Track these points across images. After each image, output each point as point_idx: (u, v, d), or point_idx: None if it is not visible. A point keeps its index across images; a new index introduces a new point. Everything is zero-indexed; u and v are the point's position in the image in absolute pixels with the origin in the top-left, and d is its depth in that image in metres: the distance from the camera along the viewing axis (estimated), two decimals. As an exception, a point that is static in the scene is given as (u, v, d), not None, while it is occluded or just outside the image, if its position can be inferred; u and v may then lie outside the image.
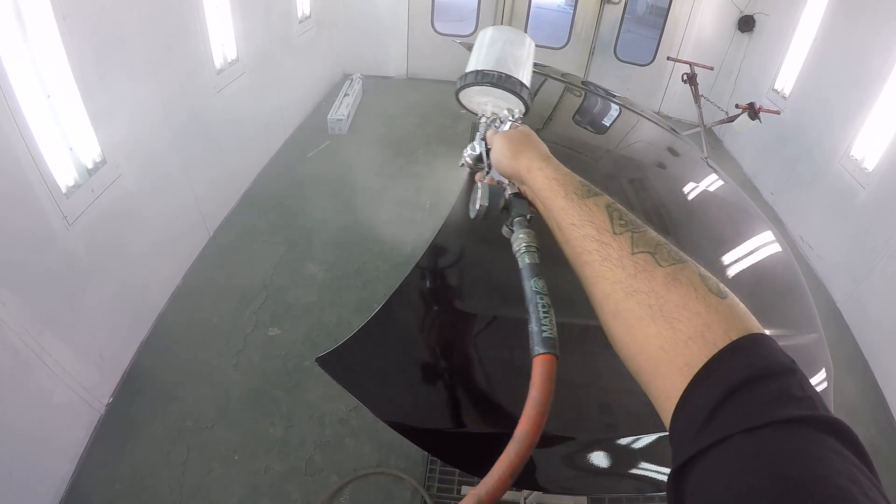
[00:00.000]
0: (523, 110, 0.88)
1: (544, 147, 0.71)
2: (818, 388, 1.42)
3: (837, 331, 3.97)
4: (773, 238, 2.04)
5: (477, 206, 0.70)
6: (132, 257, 2.78)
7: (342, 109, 5.53)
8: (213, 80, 3.62)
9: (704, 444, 0.37)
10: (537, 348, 0.50)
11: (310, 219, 4.09)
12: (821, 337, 1.67)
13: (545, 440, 1.16)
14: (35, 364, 2.08)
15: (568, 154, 2.10)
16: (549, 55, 6.64)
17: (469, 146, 0.89)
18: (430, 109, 6.08)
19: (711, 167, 2.53)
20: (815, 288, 4.34)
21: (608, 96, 2.96)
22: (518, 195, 0.71)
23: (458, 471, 2.41)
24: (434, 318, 1.34)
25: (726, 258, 1.84)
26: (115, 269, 2.63)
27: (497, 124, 0.85)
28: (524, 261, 0.61)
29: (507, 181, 0.73)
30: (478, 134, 0.89)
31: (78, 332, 2.37)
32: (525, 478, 1.19)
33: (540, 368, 0.48)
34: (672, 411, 0.43)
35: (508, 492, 1.87)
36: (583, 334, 1.35)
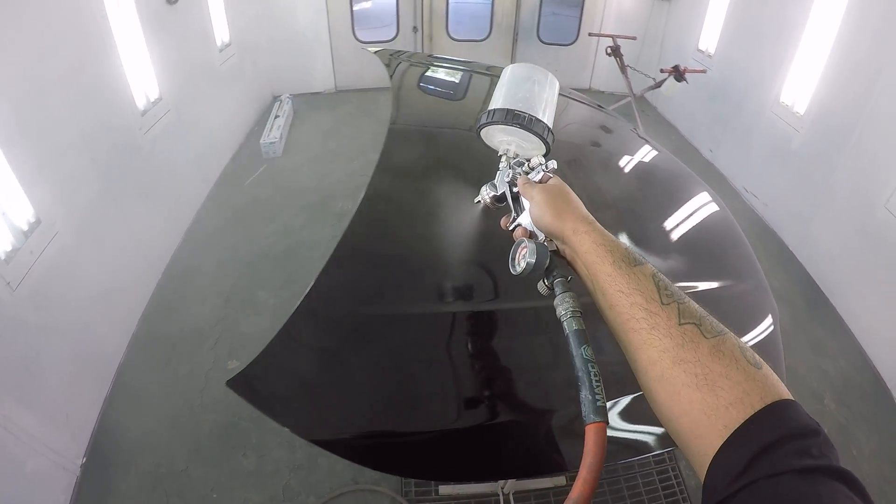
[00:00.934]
0: (544, 152, 0.87)
1: (583, 206, 0.72)
2: (766, 333, 1.45)
3: (794, 273, 4.05)
4: (710, 198, 2.05)
5: (523, 265, 0.69)
6: (83, 312, 2.71)
7: (274, 132, 5.37)
8: (139, 122, 3.49)
9: (736, 488, 0.43)
10: (591, 416, 0.53)
11: (255, 246, 3.98)
12: (763, 284, 1.67)
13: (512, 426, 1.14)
14: (1, 436, 2.02)
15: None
16: (473, 48, 6.63)
17: (488, 184, 0.89)
18: (361, 120, 5.97)
19: (642, 138, 2.53)
20: (766, 235, 4.44)
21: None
22: (557, 254, 0.71)
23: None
24: (350, 322, 1.28)
25: (668, 223, 1.84)
26: (67, 327, 2.58)
27: (525, 169, 0.85)
28: (571, 326, 0.62)
29: (542, 236, 0.74)
30: (500, 173, 0.87)
31: (40, 397, 2.31)
32: (499, 469, 1.21)
33: (594, 436, 0.52)
34: (708, 465, 0.48)
35: (484, 483, 1.79)
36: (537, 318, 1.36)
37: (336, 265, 1.32)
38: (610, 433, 1.16)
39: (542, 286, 0.70)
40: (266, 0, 5.88)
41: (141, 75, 3.61)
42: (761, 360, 0.51)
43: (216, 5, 5.04)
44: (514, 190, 0.83)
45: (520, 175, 0.83)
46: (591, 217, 0.69)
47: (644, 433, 1.22)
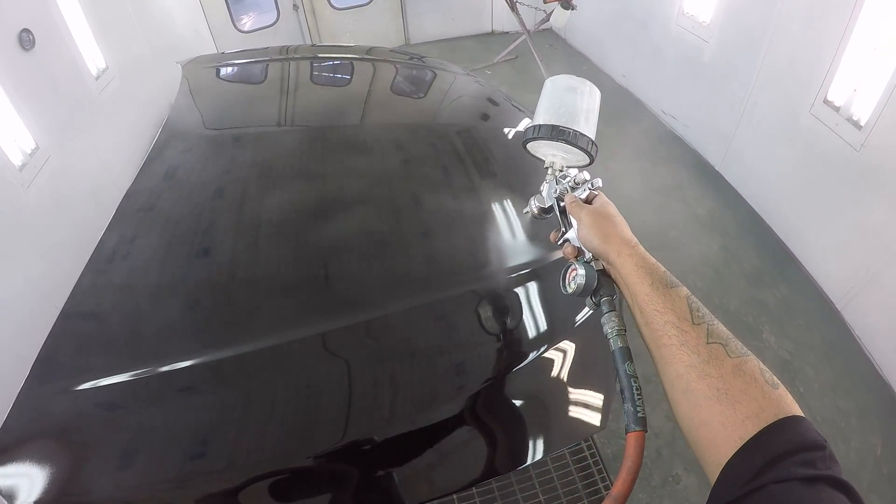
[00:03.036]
0: (588, 162, 0.89)
1: (627, 228, 0.75)
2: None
3: (723, 192, 3.76)
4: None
5: (573, 287, 0.73)
6: None
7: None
8: (18, 179, 3.11)
9: (745, 491, 0.47)
10: (633, 426, 0.60)
11: None
12: None
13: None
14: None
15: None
16: (359, 14, 6.05)
17: (536, 196, 0.92)
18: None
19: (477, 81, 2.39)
20: (690, 157, 4.12)
21: (415, 62, 2.66)
22: (603, 272, 0.75)
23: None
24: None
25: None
26: None
27: (570, 184, 0.87)
28: (616, 344, 0.67)
29: (590, 254, 0.78)
30: (546, 185, 0.91)
31: None
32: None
33: (634, 443, 0.59)
34: (718, 473, 0.51)
35: None
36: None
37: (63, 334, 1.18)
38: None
39: (589, 302, 0.74)
40: (137, 10, 5.23)
41: (10, 130, 3.21)
42: (779, 381, 0.55)
43: (82, 32, 4.44)
44: (562, 205, 0.85)
45: (567, 192, 0.86)
46: (635, 239, 0.73)
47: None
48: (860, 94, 2.73)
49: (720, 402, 0.53)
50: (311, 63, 2.48)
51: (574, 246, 0.81)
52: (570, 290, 0.75)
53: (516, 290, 1.36)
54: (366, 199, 1.60)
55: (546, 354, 1.24)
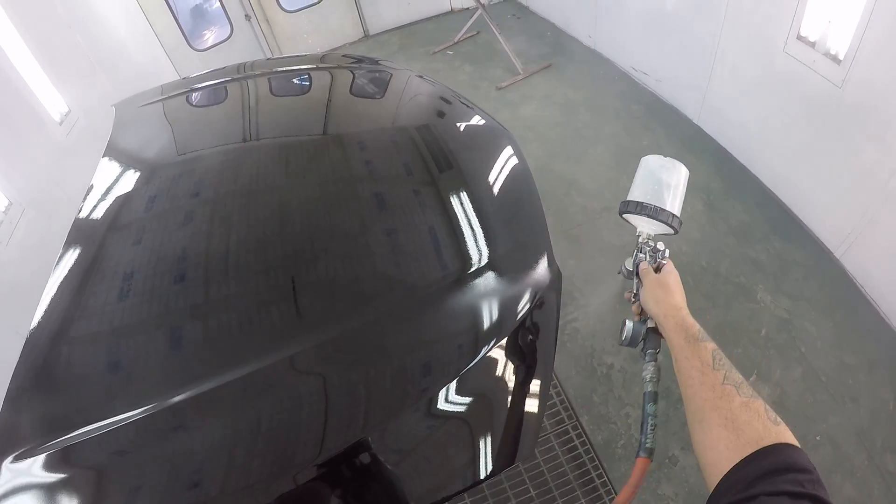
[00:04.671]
0: (672, 233, 1.03)
1: (681, 297, 0.91)
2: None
3: (706, 149, 3.57)
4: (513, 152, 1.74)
5: (623, 337, 0.93)
6: None
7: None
8: None
9: (738, 498, 0.54)
10: (641, 453, 0.78)
11: None
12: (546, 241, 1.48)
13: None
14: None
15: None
16: (313, 13, 5.80)
17: (628, 260, 1.04)
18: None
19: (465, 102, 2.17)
20: (667, 112, 3.93)
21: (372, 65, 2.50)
22: (654, 329, 0.92)
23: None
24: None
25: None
26: None
27: (650, 251, 1.02)
28: (648, 388, 0.86)
29: (649, 315, 0.93)
30: (636, 251, 1.03)
31: None
32: None
33: (640, 468, 0.76)
34: (715, 485, 0.59)
35: None
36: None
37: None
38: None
39: (640, 352, 0.93)
40: (93, 46, 5.09)
41: None
42: (780, 420, 0.63)
43: (38, 80, 4.31)
44: (639, 270, 1.00)
45: (644, 260, 1.01)
46: (682, 305, 0.88)
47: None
48: (835, 25, 2.52)
49: (727, 429, 0.63)
50: (244, 84, 2.32)
51: (639, 305, 0.96)
52: (621, 340, 0.94)
53: (462, 294, 1.27)
54: (321, 210, 1.51)
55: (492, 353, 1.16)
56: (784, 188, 3.11)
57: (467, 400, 1.12)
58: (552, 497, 2.08)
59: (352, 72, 2.36)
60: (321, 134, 1.87)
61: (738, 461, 0.58)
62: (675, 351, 0.80)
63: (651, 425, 0.80)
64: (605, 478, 2.12)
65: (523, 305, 1.24)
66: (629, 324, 0.94)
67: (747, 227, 3.01)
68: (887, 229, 2.45)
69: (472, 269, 1.30)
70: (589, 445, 2.21)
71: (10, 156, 3.62)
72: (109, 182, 1.79)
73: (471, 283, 1.29)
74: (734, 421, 0.63)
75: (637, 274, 1.01)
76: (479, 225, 1.43)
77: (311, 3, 5.76)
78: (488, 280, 1.30)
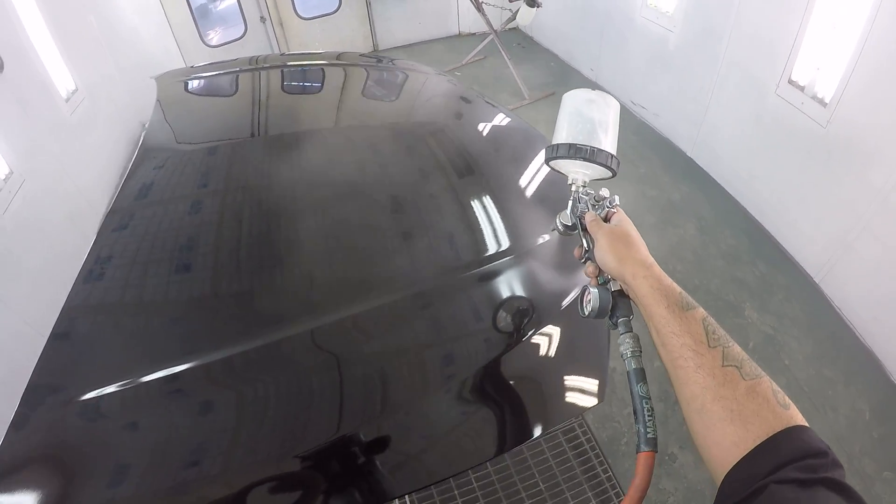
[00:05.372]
0: (610, 176, 0.89)
1: (645, 250, 0.76)
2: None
3: (697, 180, 3.83)
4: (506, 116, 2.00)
5: (589, 310, 0.77)
6: None
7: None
8: None
9: (748, 492, 0.50)
10: (643, 446, 0.64)
11: None
12: None
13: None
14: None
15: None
16: (326, 23, 6.02)
17: (562, 213, 0.91)
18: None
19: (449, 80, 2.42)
20: (662, 146, 4.19)
21: (387, 65, 2.69)
22: (621, 293, 0.77)
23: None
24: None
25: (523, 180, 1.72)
26: None
27: (591, 201, 0.88)
28: (631, 365, 0.70)
29: (609, 276, 0.79)
30: (570, 202, 0.90)
31: None
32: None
33: (644, 463, 0.63)
34: (722, 479, 0.54)
35: None
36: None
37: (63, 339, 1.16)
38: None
39: (608, 323, 0.77)
40: (105, 29, 5.13)
41: None
42: (790, 402, 0.56)
43: (51, 55, 4.34)
44: (584, 223, 0.86)
45: (587, 210, 0.87)
46: (651, 260, 0.74)
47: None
48: (823, 72, 2.81)
49: (733, 423, 0.56)
50: (283, 71, 2.44)
51: (595, 265, 0.81)
52: (586, 313, 0.78)
53: (502, 277, 1.38)
54: (348, 197, 1.59)
55: (534, 339, 1.26)
56: (770, 217, 3.36)
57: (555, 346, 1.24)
58: (560, 490, 2.16)
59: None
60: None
61: (746, 454, 0.53)
62: (656, 322, 0.67)
63: (647, 411, 0.66)
64: (610, 472, 2.21)
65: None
66: (593, 291, 0.77)
67: (735, 251, 3.24)
68: (862, 257, 2.69)
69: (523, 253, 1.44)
70: (594, 442, 2.31)
71: (16, 125, 3.63)
72: (160, 146, 1.86)
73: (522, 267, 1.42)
74: (741, 413, 0.56)
75: (583, 228, 0.87)
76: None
77: (327, 12, 5.96)
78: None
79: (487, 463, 2.12)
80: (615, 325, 0.76)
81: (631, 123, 4.45)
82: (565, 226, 0.92)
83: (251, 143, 1.86)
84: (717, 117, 3.68)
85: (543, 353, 1.25)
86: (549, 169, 0.93)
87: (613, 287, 0.77)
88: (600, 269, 0.80)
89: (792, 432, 0.53)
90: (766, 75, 3.13)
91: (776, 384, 0.58)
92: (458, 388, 1.16)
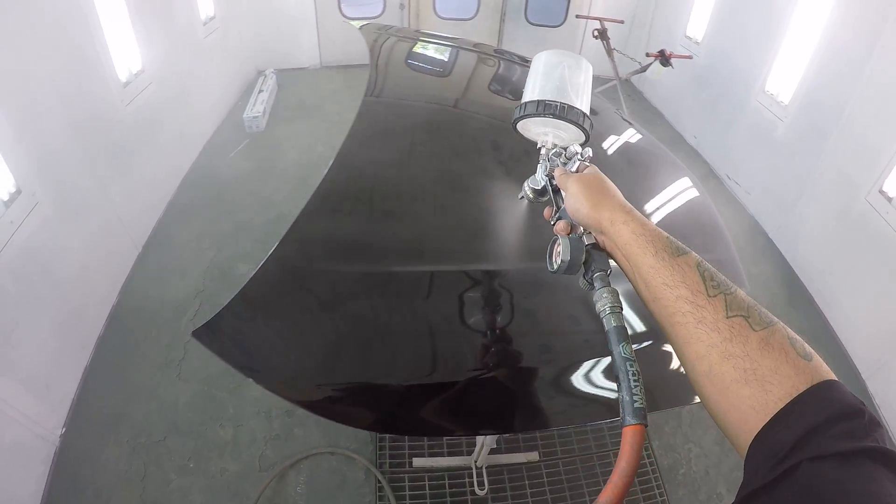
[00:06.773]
0: (583, 139, 0.84)
1: (620, 195, 0.70)
2: None
3: (772, 261, 4.08)
4: (690, 182, 2.12)
5: (559, 262, 0.68)
6: (63, 283, 2.70)
7: (258, 106, 5.27)
8: (120, 94, 3.43)
9: (779, 471, 0.42)
10: (629, 419, 0.51)
11: (236, 219, 3.92)
12: (734, 257, 1.84)
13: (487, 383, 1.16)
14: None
15: (492, 124, 2.14)
16: (459, 26, 6.50)
17: (531, 178, 0.88)
18: (346, 96, 5.80)
19: (627, 121, 2.55)
20: (747, 223, 4.46)
21: (522, 62, 2.90)
22: (596, 246, 0.69)
23: (407, 445, 2.48)
24: (322, 277, 1.31)
25: (650, 205, 1.90)
26: (47, 298, 2.58)
27: (562, 160, 0.83)
28: (610, 323, 0.60)
29: (582, 229, 0.72)
30: (539, 166, 0.86)
31: (19, 367, 2.33)
32: (477, 423, 1.20)
33: (630, 439, 0.50)
34: (750, 442, 0.47)
35: (457, 456, 1.99)
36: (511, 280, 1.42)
37: (308, 219, 1.37)
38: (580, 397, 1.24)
39: (582, 281, 0.69)
40: None
41: (123, 48, 3.52)
42: (811, 350, 0.50)
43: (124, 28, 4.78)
44: (554, 182, 0.81)
45: (557, 166, 0.82)
46: (629, 205, 0.68)
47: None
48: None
49: (749, 385, 0.48)
50: (497, 60, 2.78)
51: (567, 221, 0.74)
52: (554, 268, 0.70)
53: None
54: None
55: None
56: (833, 309, 3.59)
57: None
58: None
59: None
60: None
61: (768, 420, 0.46)
62: (644, 274, 0.60)
63: (632, 374, 0.54)
64: (666, 496, 2.45)
65: None
66: (563, 240, 0.68)
67: (799, 333, 3.48)
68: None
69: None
70: (656, 465, 2.58)
71: (159, 30, 3.95)
72: (385, 88, 2.19)
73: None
74: (756, 371, 0.48)
75: (553, 188, 0.82)
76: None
77: (464, 17, 6.42)
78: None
79: (559, 462, 2.46)
80: (590, 283, 0.66)
81: (721, 196, 4.73)
82: (534, 190, 0.88)
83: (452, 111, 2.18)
84: (806, 208, 3.92)
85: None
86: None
87: (588, 241, 0.70)
88: (573, 226, 0.73)
89: (820, 390, 0.46)
90: (861, 180, 3.35)
91: (792, 331, 0.51)
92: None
